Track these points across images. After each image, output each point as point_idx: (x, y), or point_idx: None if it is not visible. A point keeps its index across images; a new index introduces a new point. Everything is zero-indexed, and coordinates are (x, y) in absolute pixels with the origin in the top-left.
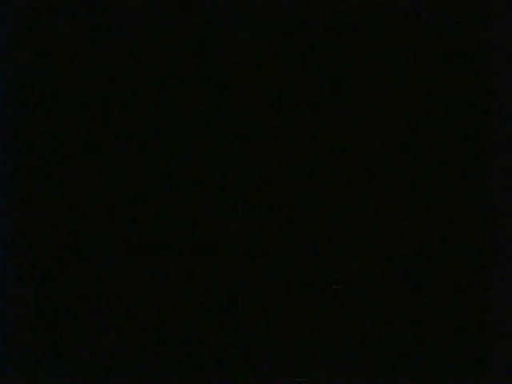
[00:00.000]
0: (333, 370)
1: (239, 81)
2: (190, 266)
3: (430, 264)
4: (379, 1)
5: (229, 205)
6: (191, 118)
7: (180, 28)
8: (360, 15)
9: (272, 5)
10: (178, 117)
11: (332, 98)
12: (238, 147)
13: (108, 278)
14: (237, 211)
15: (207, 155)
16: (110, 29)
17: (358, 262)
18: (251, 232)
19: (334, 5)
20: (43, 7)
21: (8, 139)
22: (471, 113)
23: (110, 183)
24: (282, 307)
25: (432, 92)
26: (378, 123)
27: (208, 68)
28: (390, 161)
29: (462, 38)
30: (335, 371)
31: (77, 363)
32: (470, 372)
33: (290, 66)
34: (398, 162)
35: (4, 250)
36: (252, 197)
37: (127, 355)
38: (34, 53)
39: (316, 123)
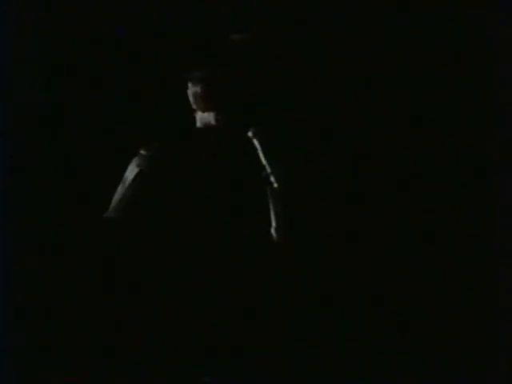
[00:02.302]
0: (333, 371)
1: None
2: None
3: (430, 263)
4: (380, 0)
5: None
6: None
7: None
8: (360, 15)
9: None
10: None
11: (328, 99)
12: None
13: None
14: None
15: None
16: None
17: (357, 261)
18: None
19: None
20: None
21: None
22: (471, 113)
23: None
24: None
25: (432, 91)
26: (378, 122)
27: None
28: (390, 160)
29: (461, 38)
30: (336, 371)
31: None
32: (471, 373)
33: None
34: (397, 162)
35: (4, 251)
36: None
37: (127, 356)
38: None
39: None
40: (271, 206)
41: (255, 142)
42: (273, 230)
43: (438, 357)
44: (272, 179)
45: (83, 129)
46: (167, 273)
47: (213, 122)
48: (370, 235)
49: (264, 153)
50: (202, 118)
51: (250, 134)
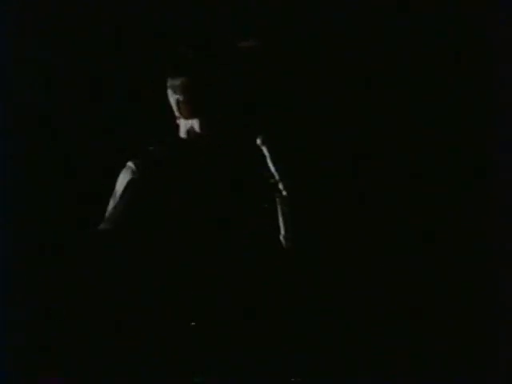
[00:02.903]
0: (335, 371)
1: None
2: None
3: (430, 263)
4: (380, 0)
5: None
6: None
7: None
8: (360, 15)
9: None
10: None
11: (329, 100)
12: None
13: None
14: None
15: None
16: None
17: (357, 262)
18: None
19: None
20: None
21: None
22: (471, 113)
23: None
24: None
25: (432, 91)
26: (378, 122)
27: None
28: (390, 159)
29: (461, 38)
30: (336, 371)
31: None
32: (471, 373)
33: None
34: (397, 162)
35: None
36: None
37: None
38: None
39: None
40: (280, 214)
41: (264, 149)
42: (282, 238)
43: (438, 357)
44: (281, 187)
45: (83, 129)
46: (167, 274)
47: (197, 128)
48: (376, 238)
49: (273, 160)
50: (186, 124)
51: (258, 141)
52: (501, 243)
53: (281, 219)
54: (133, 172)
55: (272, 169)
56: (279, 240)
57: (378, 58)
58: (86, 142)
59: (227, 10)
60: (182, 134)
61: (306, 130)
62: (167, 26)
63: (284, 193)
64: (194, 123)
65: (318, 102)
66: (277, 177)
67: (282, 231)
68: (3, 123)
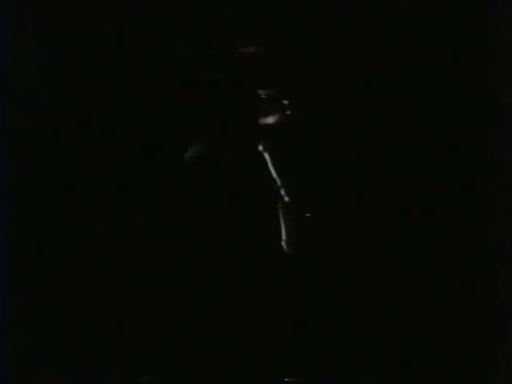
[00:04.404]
0: (335, 371)
1: None
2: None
3: (430, 263)
4: (380, 0)
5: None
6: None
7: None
8: (360, 14)
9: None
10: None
11: (329, 100)
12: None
13: (107, 277)
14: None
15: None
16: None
17: (356, 262)
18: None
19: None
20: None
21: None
22: (471, 113)
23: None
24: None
25: (432, 91)
26: (377, 122)
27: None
28: (389, 159)
29: (461, 38)
30: (336, 371)
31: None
32: (471, 373)
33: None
34: (397, 162)
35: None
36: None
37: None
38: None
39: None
40: (281, 219)
41: (266, 155)
42: (283, 243)
43: (438, 357)
44: (282, 192)
45: (83, 129)
46: (167, 274)
47: None
48: (376, 238)
49: (274, 166)
50: None
51: (260, 147)
52: (501, 243)
53: (282, 224)
54: None
55: (274, 174)
56: (280, 245)
57: (377, 58)
58: (86, 142)
59: (227, 10)
60: None
61: (305, 132)
62: (167, 25)
63: (286, 198)
64: None
65: (318, 103)
66: (278, 182)
67: (284, 236)
68: (3, 123)
